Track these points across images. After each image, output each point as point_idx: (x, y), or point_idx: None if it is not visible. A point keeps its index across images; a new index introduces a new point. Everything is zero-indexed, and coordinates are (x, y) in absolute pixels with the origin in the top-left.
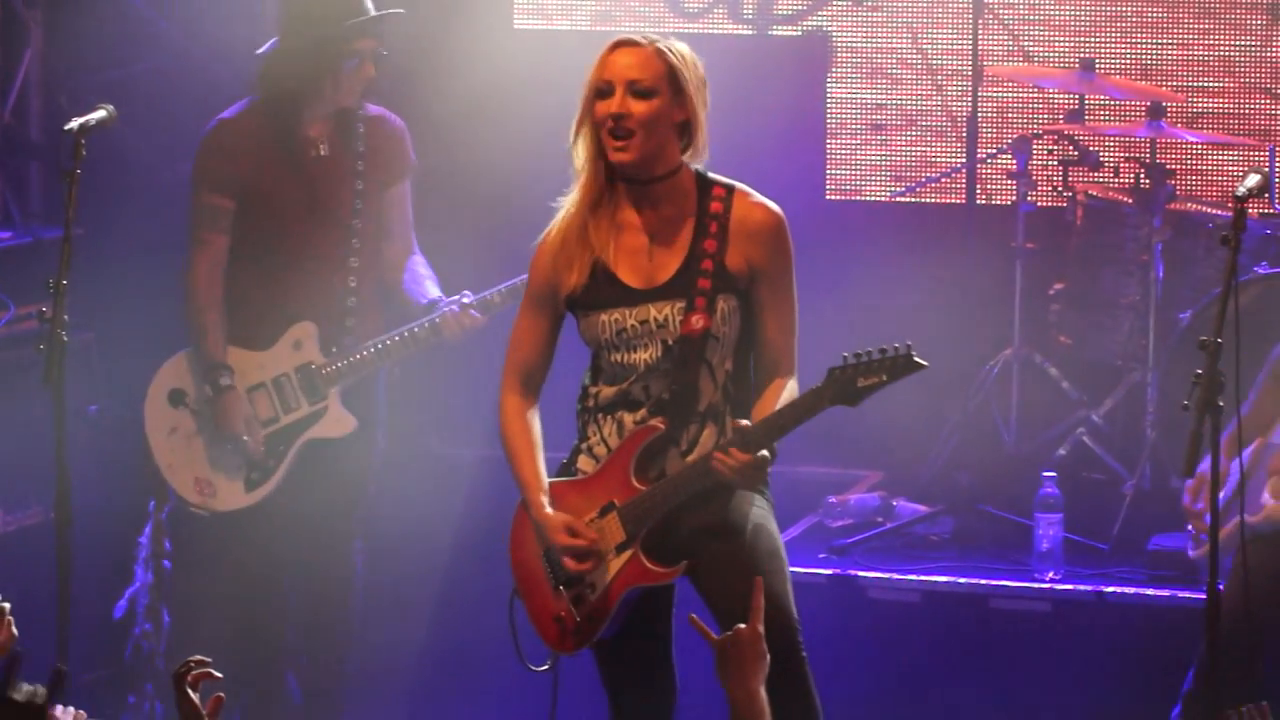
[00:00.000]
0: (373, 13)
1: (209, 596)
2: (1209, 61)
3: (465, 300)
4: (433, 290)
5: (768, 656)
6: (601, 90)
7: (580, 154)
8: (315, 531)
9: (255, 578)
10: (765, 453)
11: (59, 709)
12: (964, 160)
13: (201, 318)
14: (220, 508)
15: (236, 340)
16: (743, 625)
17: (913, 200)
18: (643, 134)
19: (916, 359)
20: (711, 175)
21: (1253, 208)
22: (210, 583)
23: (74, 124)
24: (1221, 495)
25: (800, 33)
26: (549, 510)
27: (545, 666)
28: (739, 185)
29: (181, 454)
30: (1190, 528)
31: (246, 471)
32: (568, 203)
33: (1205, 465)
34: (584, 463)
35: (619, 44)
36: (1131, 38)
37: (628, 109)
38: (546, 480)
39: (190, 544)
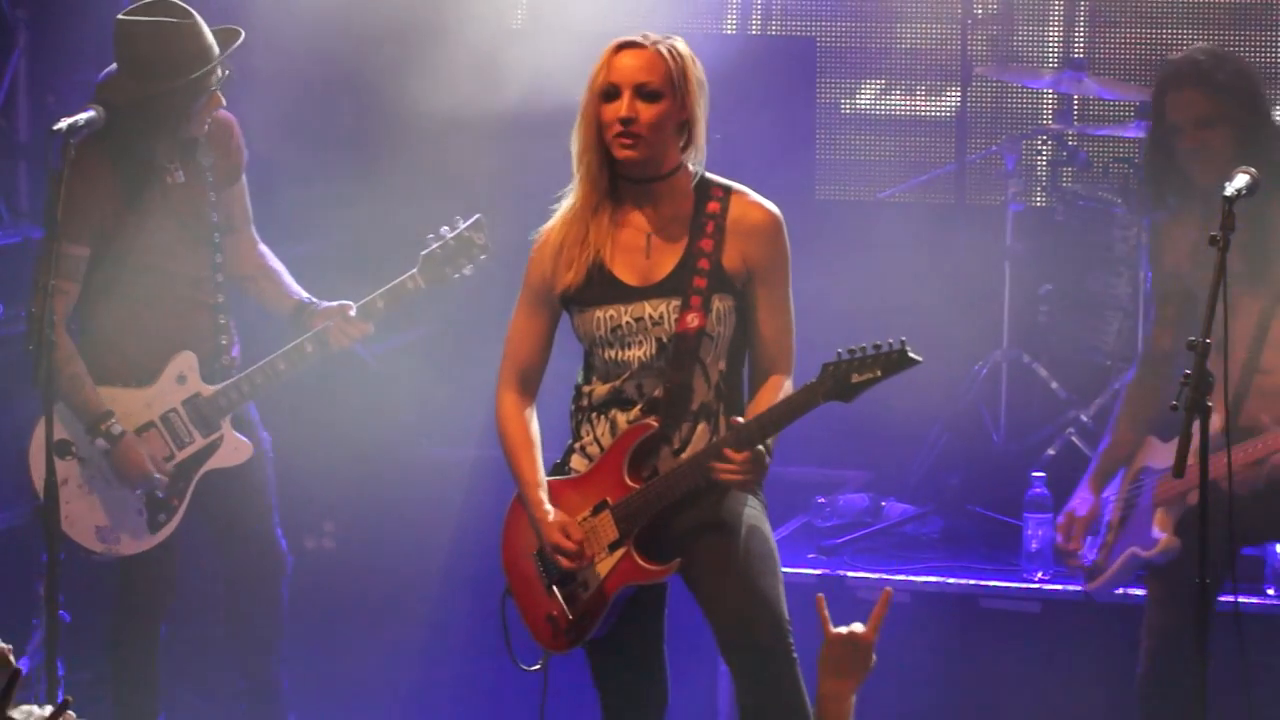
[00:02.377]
0: (217, 52)
1: (139, 636)
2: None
3: (350, 313)
4: (297, 288)
5: (872, 665)
6: (607, 92)
7: (583, 157)
8: (232, 542)
9: (152, 609)
10: (763, 450)
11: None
12: (953, 160)
13: (69, 368)
14: (126, 552)
15: (114, 381)
16: (860, 627)
17: (902, 200)
18: (650, 136)
19: (911, 354)
20: (710, 175)
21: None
22: (133, 623)
23: (62, 124)
24: (1101, 525)
25: (791, 33)
26: (548, 508)
27: (536, 666)
28: (737, 186)
29: (77, 505)
30: (1092, 540)
31: (150, 514)
32: (566, 203)
33: (1075, 503)
34: (577, 461)
35: (623, 45)
36: (1120, 38)
37: (636, 112)
38: (544, 478)
39: (95, 586)
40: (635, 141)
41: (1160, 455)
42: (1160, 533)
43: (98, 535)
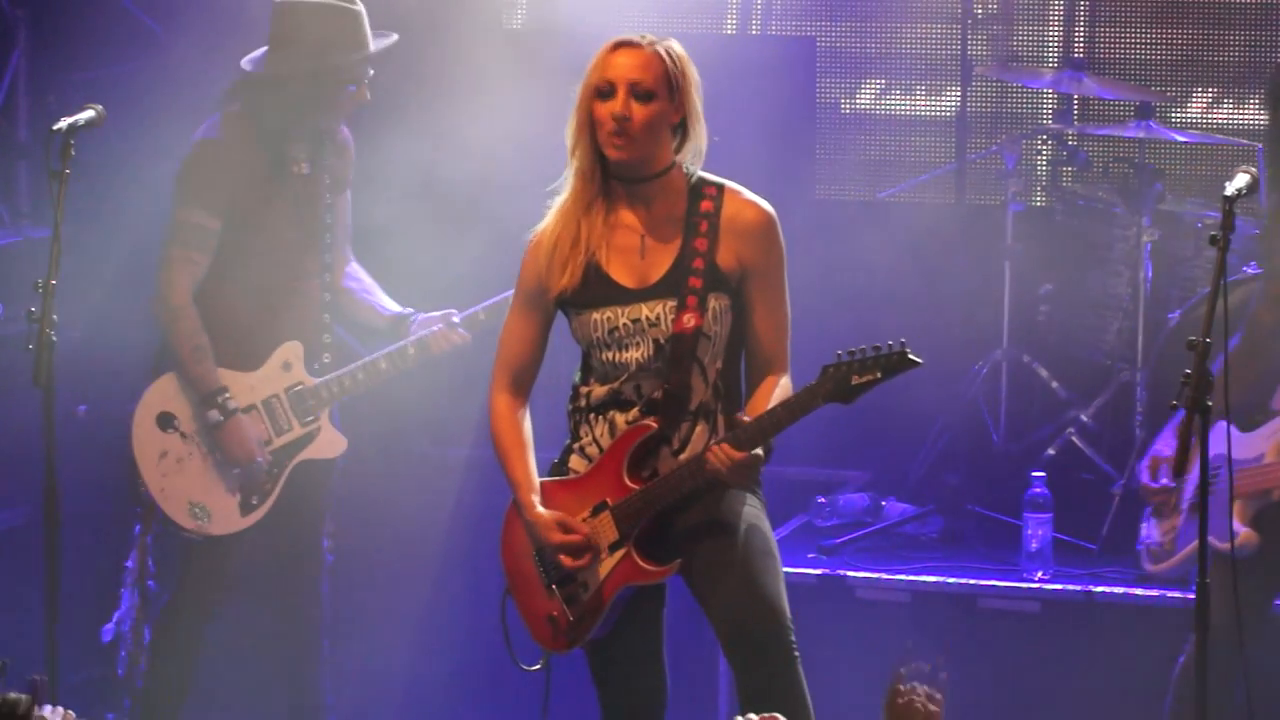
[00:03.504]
0: (371, 44)
1: (196, 613)
2: (1198, 61)
3: (454, 319)
4: (390, 302)
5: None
6: (602, 91)
7: (576, 154)
8: (290, 543)
9: (235, 592)
10: (759, 451)
11: (47, 709)
12: (953, 160)
13: (195, 340)
14: (215, 532)
15: (222, 361)
16: (936, 695)
17: (902, 200)
18: (644, 135)
19: (911, 356)
20: (703, 174)
21: (1241, 208)
22: (196, 598)
23: (62, 124)
24: (1187, 485)
25: (791, 33)
26: (540, 509)
27: (537, 666)
28: (730, 184)
29: (174, 479)
30: (1149, 520)
31: (243, 495)
32: (559, 202)
33: (1159, 445)
34: (576, 462)
35: (619, 44)
36: (1120, 38)
37: (630, 111)
38: (537, 480)
39: (181, 562)
40: (627, 141)
41: (1240, 446)
42: (1241, 526)
43: (190, 512)
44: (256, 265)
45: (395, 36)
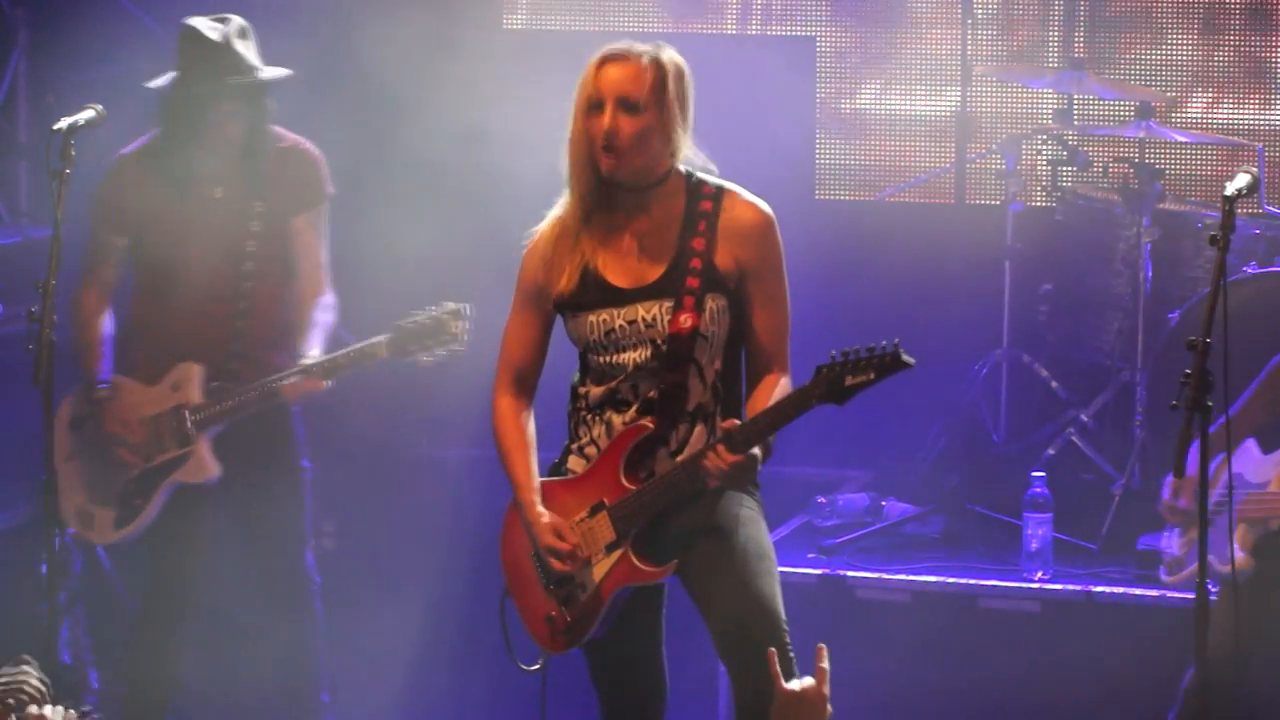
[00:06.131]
0: (233, 77)
1: (169, 616)
2: (1197, 61)
3: (307, 361)
4: (312, 347)
5: (829, 717)
6: (594, 104)
7: (572, 169)
8: (259, 560)
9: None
10: (755, 452)
11: (48, 709)
12: (953, 160)
13: (85, 335)
14: (96, 540)
15: (127, 371)
16: (811, 681)
17: (902, 200)
18: (633, 149)
19: (904, 357)
20: (701, 175)
21: (1241, 207)
22: (166, 602)
23: (62, 123)
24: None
25: (791, 33)
26: (539, 509)
27: (536, 666)
28: (728, 185)
29: (69, 480)
30: (1171, 532)
31: (119, 510)
32: (558, 207)
33: (1192, 466)
34: (574, 462)
35: (608, 58)
36: (1120, 38)
37: (618, 125)
38: (538, 480)
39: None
40: (616, 156)
41: (1256, 469)
42: (1240, 550)
43: (77, 515)
44: (172, 284)
45: (284, 71)
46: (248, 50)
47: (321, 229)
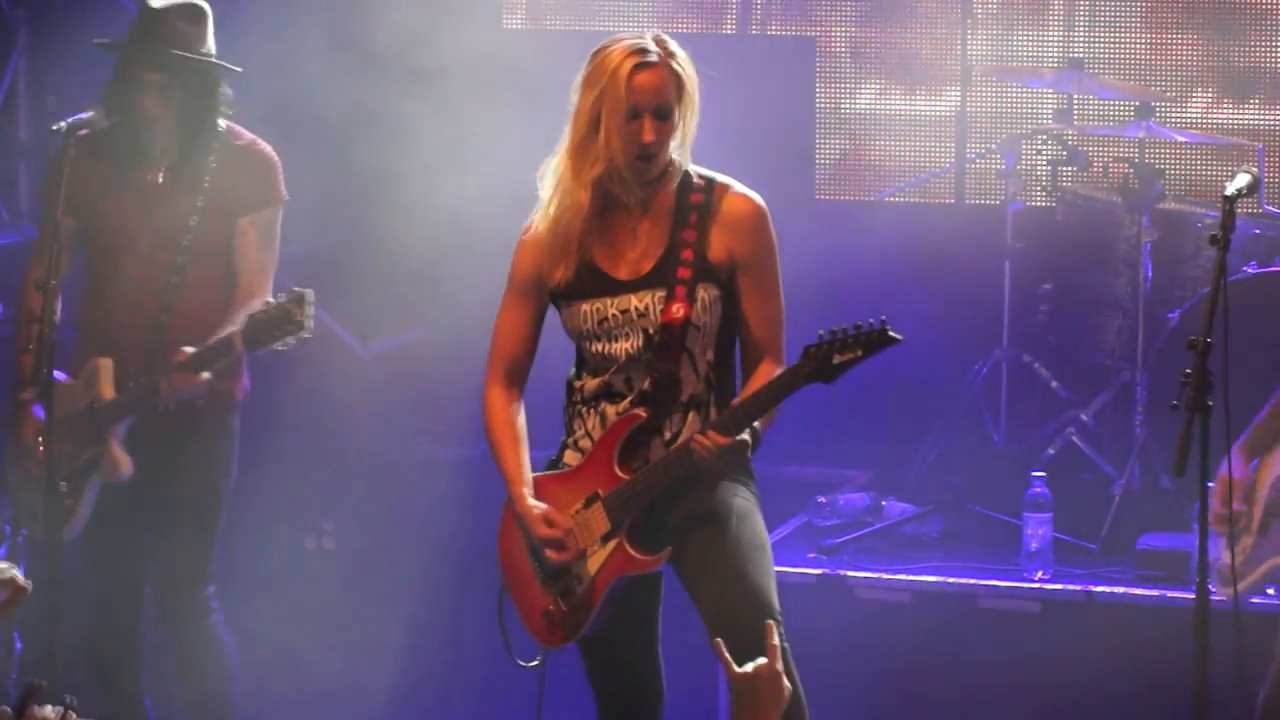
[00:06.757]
0: (177, 46)
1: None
2: (1197, 61)
3: (181, 359)
4: (217, 334)
5: (788, 692)
6: (632, 113)
7: (584, 167)
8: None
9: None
10: (745, 437)
11: (48, 708)
12: (953, 160)
13: (24, 329)
14: (40, 540)
15: (66, 365)
16: (763, 661)
17: (902, 200)
18: (664, 153)
19: (891, 333)
20: (693, 168)
21: (1241, 207)
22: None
23: (62, 124)
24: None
25: (791, 33)
26: (530, 501)
27: (534, 662)
28: (720, 177)
29: (20, 480)
30: (1215, 540)
31: (53, 511)
32: (551, 195)
33: (1226, 468)
34: (570, 456)
35: (639, 65)
36: (1120, 38)
37: (657, 134)
38: (529, 472)
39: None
40: (652, 163)
41: None
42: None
43: (30, 516)
44: (115, 272)
45: (224, 64)
46: (192, 31)
47: (270, 232)
